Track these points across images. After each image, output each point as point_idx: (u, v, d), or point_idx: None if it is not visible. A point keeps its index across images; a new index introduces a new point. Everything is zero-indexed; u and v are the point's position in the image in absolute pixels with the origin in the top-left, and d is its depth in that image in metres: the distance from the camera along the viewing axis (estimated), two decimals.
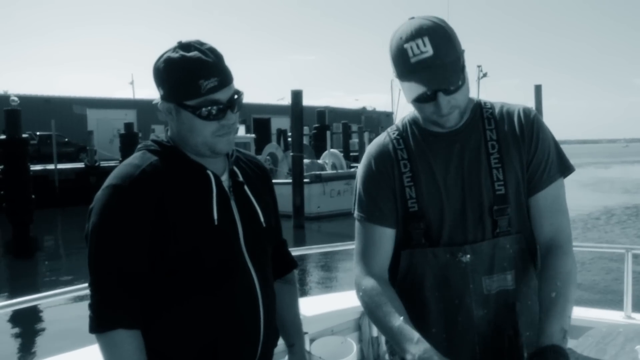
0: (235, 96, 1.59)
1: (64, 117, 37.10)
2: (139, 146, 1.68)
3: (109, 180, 1.56)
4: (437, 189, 1.69)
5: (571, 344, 2.60)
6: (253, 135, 29.56)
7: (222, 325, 1.59)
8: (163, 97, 1.60)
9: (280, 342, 1.88)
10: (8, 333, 9.53)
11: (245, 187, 1.70)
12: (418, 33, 1.53)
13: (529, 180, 1.69)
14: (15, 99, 20.71)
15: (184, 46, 1.56)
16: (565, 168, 1.73)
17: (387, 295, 1.66)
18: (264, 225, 1.71)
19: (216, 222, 1.58)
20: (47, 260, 16.43)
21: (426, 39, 1.52)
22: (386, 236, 1.74)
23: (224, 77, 1.56)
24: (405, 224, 1.72)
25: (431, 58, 1.52)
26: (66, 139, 34.42)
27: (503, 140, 1.70)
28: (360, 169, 1.81)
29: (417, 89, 1.55)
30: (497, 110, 1.75)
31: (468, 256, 1.66)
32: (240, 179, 1.71)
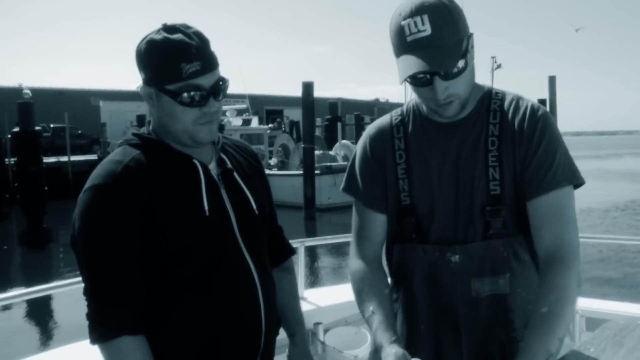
0: (220, 83, 1.50)
1: (77, 109, 37.30)
2: (120, 141, 1.59)
3: (90, 180, 1.47)
4: (430, 183, 1.60)
5: (588, 336, 2.57)
6: (267, 127, 28.87)
7: (222, 320, 1.52)
8: (144, 81, 1.52)
9: (282, 333, 1.82)
10: (22, 322, 9.64)
11: (235, 174, 1.62)
12: (418, 10, 1.42)
13: (529, 182, 1.53)
14: (28, 91, 20.84)
15: (168, 29, 1.47)
16: (574, 177, 1.55)
17: (367, 280, 1.65)
18: (257, 212, 1.63)
19: (207, 213, 1.50)
20: (60, 251, 16.53)
21: (425, 17, 1.41)
22: (378, 221, 1.69)
23: (208, 62, 1.47)
24: (397, 217, 1.66)
25: (428, 38, 1.41)
26: (79, 131, 34.67)
27: (505, 137, 1.56)
28: (357, 147, 1.76)
29: (410, 69, 1.43)
30: (507, 102, 1.61)
31: (457, 256, 1.57)
32: (229, 166, 1.62)
